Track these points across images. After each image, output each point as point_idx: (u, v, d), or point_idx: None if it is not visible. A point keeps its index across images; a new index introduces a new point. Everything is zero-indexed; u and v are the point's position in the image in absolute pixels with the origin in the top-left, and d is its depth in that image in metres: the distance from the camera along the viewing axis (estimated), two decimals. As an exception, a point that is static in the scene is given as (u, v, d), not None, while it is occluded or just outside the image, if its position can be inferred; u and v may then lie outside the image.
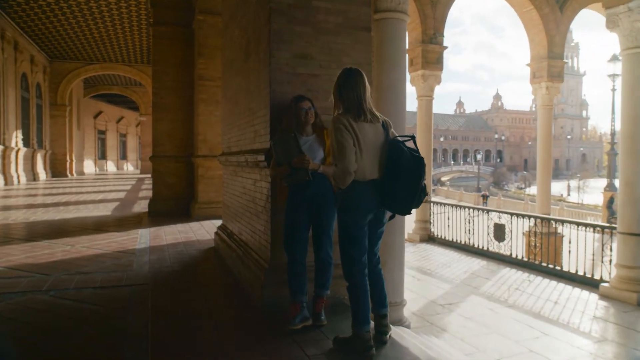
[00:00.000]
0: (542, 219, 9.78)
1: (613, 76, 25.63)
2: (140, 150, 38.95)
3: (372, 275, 3.05)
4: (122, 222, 9.29)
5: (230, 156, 5.53)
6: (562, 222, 9.29)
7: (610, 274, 7.94)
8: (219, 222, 9.19)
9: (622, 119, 7.64)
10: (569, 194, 53.70)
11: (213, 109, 9.70)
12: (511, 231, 10.28)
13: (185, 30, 10.41)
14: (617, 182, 26.37)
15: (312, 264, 3.57)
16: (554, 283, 8.19)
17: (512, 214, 10.26)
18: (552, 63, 13.45)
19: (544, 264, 9.10)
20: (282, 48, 3.88)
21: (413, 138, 2.93)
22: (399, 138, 2.98)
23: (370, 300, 3.03)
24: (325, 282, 3.57)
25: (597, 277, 7.98)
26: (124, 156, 42.90)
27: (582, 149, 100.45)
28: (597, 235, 8.86)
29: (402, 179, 2.83)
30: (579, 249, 8.33)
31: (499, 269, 9.37)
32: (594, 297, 7.52)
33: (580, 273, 8.27)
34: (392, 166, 2.87)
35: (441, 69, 12.72)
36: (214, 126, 9.70)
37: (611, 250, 7.94)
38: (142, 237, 7.32)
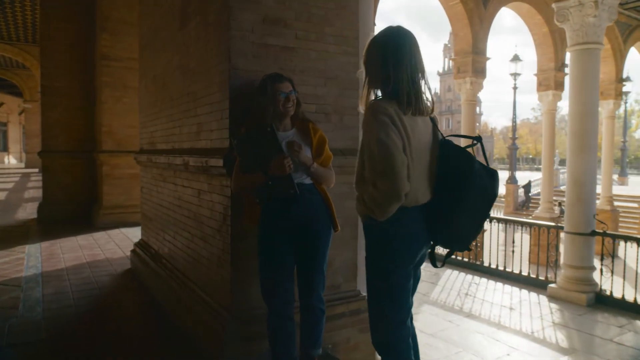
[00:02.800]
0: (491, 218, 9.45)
1: (515, 75, 27.22)
2: (24, 141, 34.34)
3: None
4: (2, 234, 7.39)
5: (155, 155, 4.23)
6: (508, 222, 9.01)
7: (555, 275, 7.80)
8: (130, 232, 7.67)
9: (570, 116, 7.44)
10: (467, 185, 57.27)
11: (120, 95, 8.08)
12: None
13: (84, -2, 8.60)
14: (518, 175, 28.12)
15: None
16: (500, 285, 7.88)
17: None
18: (477, 59, 13.46)
19: (486, 265, 8.83)
20: (246, 7, 2.74)
21: (479, 140, 2.00)
22: (453, 140, 2.04)
23: None
24: (318, 338, 2.55)
25: (542, 277, 7.79)
26: (4, 148, 37.72)
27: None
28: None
29: (468, 201, 1.89)
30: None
31: (439, 271, 8.95)
32: (543, 299, 7.28)
33: (525, 274, 8.07)
34: (453, 183, 1.91)
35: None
36: (122, 116, 8.10)
37: (556, 247, 7.79)
38: (30, 258, 5.66)
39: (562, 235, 7.68)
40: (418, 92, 1.88)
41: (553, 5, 7.43)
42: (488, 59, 13.82)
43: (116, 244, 6.58)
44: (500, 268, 8.47)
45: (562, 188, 27.35)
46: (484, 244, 10.59)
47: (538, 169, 53.81)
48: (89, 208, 8.69)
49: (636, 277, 6.99)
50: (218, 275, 3.00)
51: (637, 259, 7.05)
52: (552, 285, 7.44)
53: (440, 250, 2.63)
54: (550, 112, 16.10)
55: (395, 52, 1.86)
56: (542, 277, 7.78)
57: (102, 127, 8.13)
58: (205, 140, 3.15)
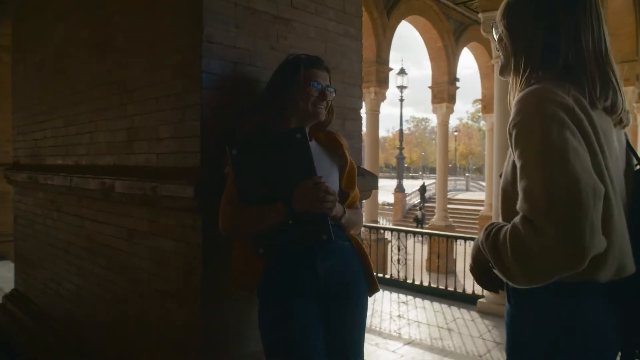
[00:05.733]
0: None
1: (401, 87, 28.47)
2: None
3: None
4: None
5: (45, 174, 2.92)
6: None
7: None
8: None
9: (496, 129, 7.39)
10: (352, 194, 59.01)
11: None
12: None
13: None
14: (405, 183, 29.35)
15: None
16: (428, 303, 7.62)
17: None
18: (381, 69, 13.44)
19: (410, 282, 8.57)
20: (227, -53, 1.76)
21: None
22: None
23: None
24: None
25: (469, 292, 7.66)
26: None
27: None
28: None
29: None
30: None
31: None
32: (475, 315, 7.10)
33: (451, 289, 7.96)
34: None
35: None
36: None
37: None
38: None
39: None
40: (612, 74, 1.05)
41: (480, 15, 7.31)
42: (391, 69, 13.88)
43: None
44: (425, 284, 8.22)
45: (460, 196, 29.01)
46: (391, 253, 10.34)
47: (414, 177, 57.00)
48: None
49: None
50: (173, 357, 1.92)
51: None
52: (482, 300, 7.31)
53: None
54: (444, 124, 16.67)
55: (571, 5, 1.04)
56: (469, 292, 7.64)
57: (-54, 132, 6.18)
58: (145, 154, 2.04)
